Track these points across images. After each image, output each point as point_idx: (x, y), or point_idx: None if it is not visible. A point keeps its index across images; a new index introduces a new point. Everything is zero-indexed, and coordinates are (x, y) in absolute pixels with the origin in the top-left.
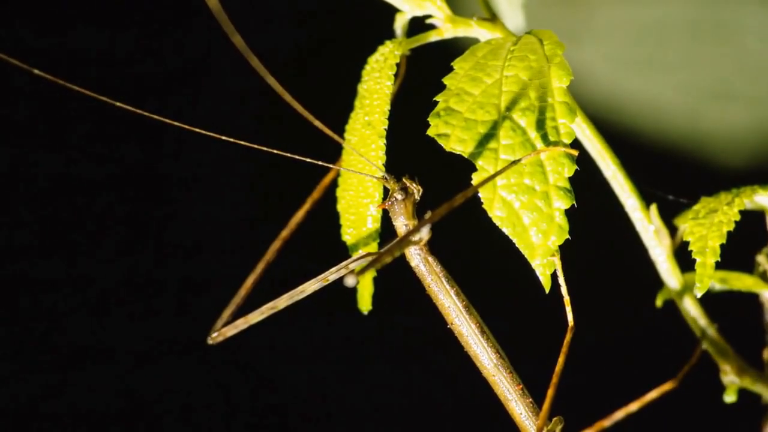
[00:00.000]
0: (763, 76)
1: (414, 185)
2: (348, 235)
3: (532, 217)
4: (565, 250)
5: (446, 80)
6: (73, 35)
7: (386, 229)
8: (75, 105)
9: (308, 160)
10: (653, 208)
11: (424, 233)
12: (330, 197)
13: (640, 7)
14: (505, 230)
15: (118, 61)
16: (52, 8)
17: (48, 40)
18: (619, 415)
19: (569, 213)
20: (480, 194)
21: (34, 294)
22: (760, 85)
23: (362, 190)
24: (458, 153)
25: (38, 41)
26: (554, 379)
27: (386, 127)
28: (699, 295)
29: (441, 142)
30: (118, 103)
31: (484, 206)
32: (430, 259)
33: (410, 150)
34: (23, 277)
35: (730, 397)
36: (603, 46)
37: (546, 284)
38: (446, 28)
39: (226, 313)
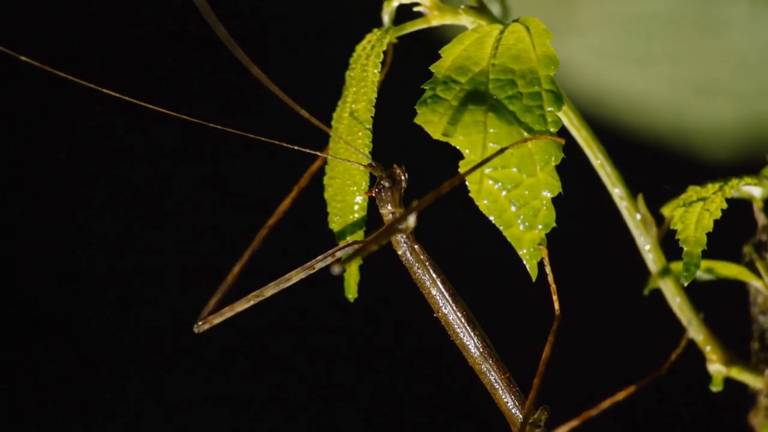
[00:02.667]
0: (748, 70)
1: (401, 173)
2: (335, 223)
3: (518, 206)
4: (552, 238)
5: (433, 68)
6: (68, 28)
7: (373, 217)
8: (67, 94)
9: (295, 147)
10: (640, 197)
11: (411, 221)
12: (317, 185)
13: (626, 0)
14: (492, 218)
15: (107, 52)
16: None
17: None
18: (606, 404)
19: (556, 202)
20: (467, 182)
21: (28, 288)
22: (746, 79)
23: (349, 178)
24: (445, 141)
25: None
26: (540, 368)
27: (373, 114)
28: (685, 284)
29: (428, 130)
30: (105, 90)
31: (471, 194)
32: (416, 247)
33: (397, 138)
34: (17, 275)
35: (716, 387)
36: (589, 39)
37: (533, 273)
38: (433, 16)
39: (212, 302)
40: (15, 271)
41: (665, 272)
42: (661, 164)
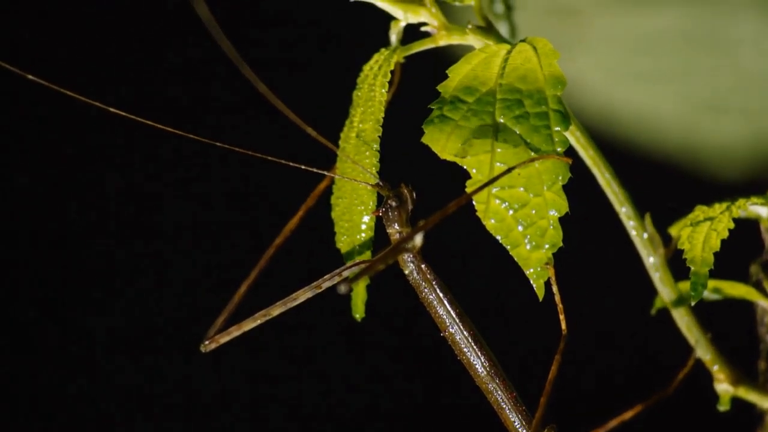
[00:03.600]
0: (757, 88)
1: (408, 193)
2: (342, 243)
3: (525, 226)
4: (559, 258)
5: (440, 88)
6: (72, 38)
7: (380, 237)
8: (69, 109)
9: (302, 167)
10: (647, 216)
11: (418, 241)
12: (324, 205)
13: (634, 18)
14: (499, 238)
15: (115, 68)
16: (53, 10)
17: (47, 44)
18: (613, 423)
19: (563, 221)
20: (474, 202)
21: (33, 296)
22: (755, 96)
23: (356, 197)
24: (452, 161)
25: (37, 46)
26: (547, 387)
27: (380, 134)
28: (693, 303)
29: (435, 149)
30: (112, 109)
31: (477, 214)
32: (423, 266)
33: (404, 157)
34: (21, 281)
35: (723, 406)
36: (598, 57)
37: (539, 292)
38: (441, 36)
39: (219, 321)
40: (13, 271)
41: (673, 292)
42: (669, 181)
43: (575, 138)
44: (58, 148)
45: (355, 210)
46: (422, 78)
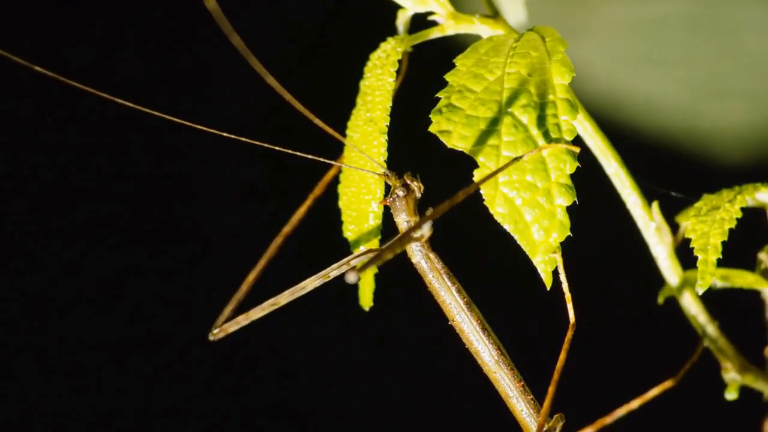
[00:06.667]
0: (762, 73)
1: (415, 182)
2: (349, 232)
3: (533, 214)
4: (566, 247)
5: (448, 77)
6: (76, 36)
7: (388, 226)
8: (76, 104)
9: (310, 156)
10: (655, 205)
11: (426, 230)
12: (332, 194)
13: (639, 4)
14: (507, 227)
15: (121, 62)
16: (57, 11)
17: (52, 43)
18: (621, 412)
19: (571, 210)
20: (482, 191)
21: (35, 289)
22: (759, 81)
23: (364, 186)
24: (460, 150)
25: (42, 45)
26: (555, 376)
27: (388, 123)
28: (700, 292)
29: (443, 138)
30: (119, 100)
31: (485, 203)
32: (431, 255)
33: (412, 147)
34: (23, 272)
35: (731, 395)
36: (603, 43)
37: (547, 281)
38: (448, 24)
39: (228, 310)
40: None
41: (680, 280)
42: (675, 167)
43: (583, 127)
44: (60, 138)
45: (362, 199)
46: (430, 67)
